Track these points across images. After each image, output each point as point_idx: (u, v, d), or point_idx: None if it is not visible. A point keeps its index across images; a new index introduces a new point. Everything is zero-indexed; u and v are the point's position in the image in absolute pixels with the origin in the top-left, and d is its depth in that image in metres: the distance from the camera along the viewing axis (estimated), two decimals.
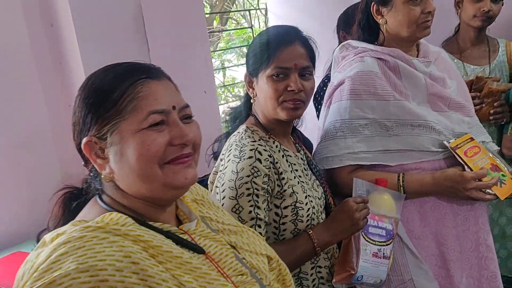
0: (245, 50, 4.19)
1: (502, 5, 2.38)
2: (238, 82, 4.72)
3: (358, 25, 1.80)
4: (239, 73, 4.59)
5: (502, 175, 1.63)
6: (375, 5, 1.72)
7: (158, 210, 0.97)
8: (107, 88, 0.92)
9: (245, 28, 4.91)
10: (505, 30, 2.63)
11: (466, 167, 1.61)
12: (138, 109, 0.90)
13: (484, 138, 1.80)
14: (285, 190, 1.40)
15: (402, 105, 1.65)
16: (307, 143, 1.88)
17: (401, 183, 1.63)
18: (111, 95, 0.91)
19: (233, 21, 5.13)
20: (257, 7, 4.31)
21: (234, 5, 4.73)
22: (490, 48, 2.48)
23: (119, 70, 0.95)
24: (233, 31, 4.97)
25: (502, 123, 2.29)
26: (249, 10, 4.37)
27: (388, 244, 1.50)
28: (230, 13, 4.89)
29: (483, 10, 2.34)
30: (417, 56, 1.77)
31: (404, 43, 1.73)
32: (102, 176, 0.94)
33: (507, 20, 2.61)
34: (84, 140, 0.92)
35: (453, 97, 1.75)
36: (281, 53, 1.42)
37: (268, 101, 1.44)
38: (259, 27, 4.35)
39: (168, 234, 0.93)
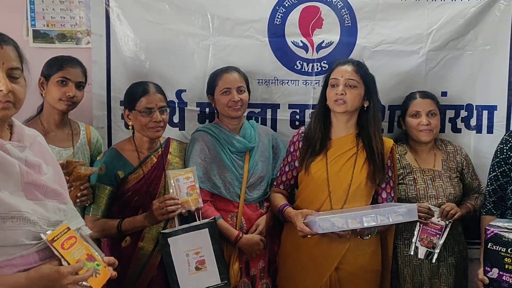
0: None
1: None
2: None
3: None
4: None
5: (97, 264, 1.64)
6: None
7: None
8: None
9: None
10: (83, 113, 2.77)
11: (63, 260, 1.55)
12: None
13: (78, 223, 1.77)
14: None
15: None
16: None
17: None
18: None
19: None
20: None
21: None
22: (73, 131, 2.56)
23: None
24: None
25: (86, 205, 2.36)
26: None
27: None
28: None
29: (69, 95, 2.40)
30: (9, 139, 1.61)
31: None
32: None
33: (84, 105, 2.75)
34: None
35: (49, 185, 1.66)
36: None
37: None
38: None
39: None
